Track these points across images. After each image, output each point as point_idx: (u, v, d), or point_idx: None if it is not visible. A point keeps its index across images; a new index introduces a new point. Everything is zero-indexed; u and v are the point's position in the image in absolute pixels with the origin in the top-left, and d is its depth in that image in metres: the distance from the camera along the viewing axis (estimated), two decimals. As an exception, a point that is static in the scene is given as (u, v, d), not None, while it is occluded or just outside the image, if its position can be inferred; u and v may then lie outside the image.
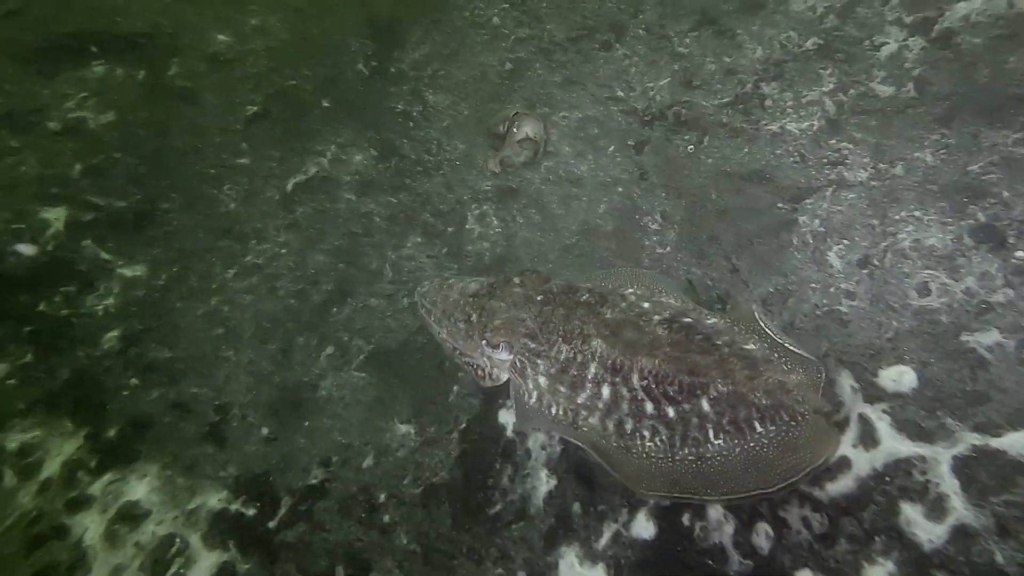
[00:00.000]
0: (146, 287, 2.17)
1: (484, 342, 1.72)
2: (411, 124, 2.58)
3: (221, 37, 3.00)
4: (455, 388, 1.89)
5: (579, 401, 1.64)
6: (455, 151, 2.49)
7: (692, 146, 2.26)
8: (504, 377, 1.79)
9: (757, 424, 1.51)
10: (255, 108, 2.71)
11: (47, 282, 2.14)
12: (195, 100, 2.78)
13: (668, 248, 2.04)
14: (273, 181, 2.45)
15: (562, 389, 1.66)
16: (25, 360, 1.94)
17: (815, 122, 2.16)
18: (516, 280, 1.81)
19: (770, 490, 1.50)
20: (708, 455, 1.55)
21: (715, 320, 1.68)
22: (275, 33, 3.01)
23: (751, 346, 1.60)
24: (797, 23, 2.40)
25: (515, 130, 2.43)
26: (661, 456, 1.58)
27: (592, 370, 1.62)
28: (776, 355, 1.60)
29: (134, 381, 1.95)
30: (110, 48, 2.92)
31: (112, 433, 1.83)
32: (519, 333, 1.71)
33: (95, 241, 2.25)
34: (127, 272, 2.19)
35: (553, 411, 1.68)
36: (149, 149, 2.57)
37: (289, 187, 2.40)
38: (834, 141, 2.09)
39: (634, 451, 1.60)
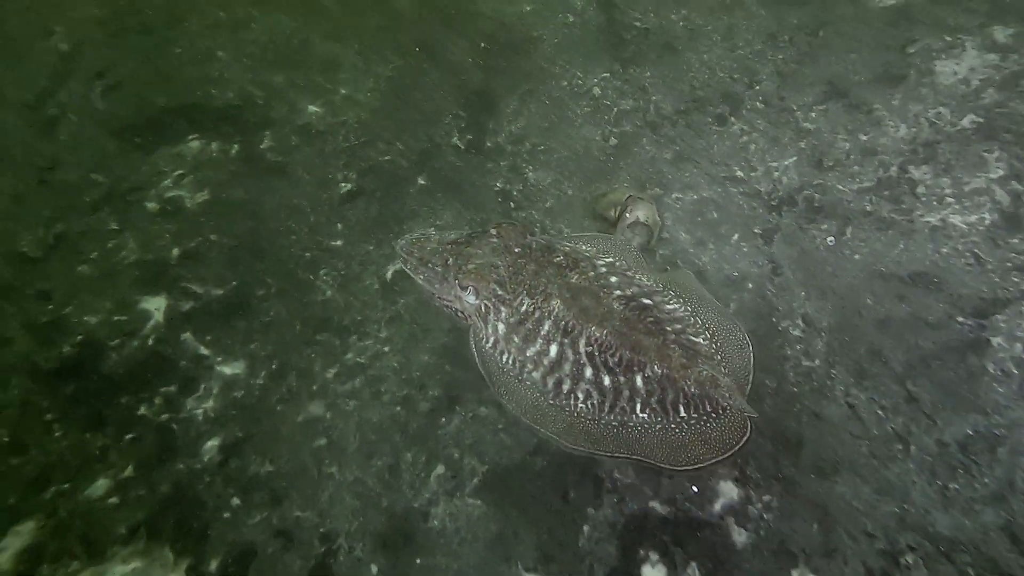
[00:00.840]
0: (245, 387, 2.01)
1: (456, 282, 1.79)
2: (512, 204, 2.38)
3: (312, 108, 2.89)
4: (585, 529, 1.62)
5: (528, 354, 1.72)
6: (560, 234, 2.27)
7: (832, 238, 1.97)
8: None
9: (682, 408, 1.60)
10: (349, 185, 2.57)
11: (148, 381, 1.99)
12: (288, 175, 2.66)
13: (817, 361, 1.75)
14: (371, 267, 2.28)
15: (516, 339, 1.74)
16: (126, 475, 1.79)
17: (985, 215, 1.84)
18: (493, 231, 1.88)
19: (675, 468, 1.60)
20: (631, 424, 1.63)
21: (675, 307, 1.74)
22: (366, 103, 2.88)
23: (699, 340, 1.67)
24: (948, 98, 2.09)
25: (627, 215, 2.20)
26: (589, 418, 1.67)
27: (546, 327, 1.70)
28: (719, 357, 1.66)
29: (236, 501, 1.76)
30: (205, 121, 2.84)
31: (214, 566, 1.65)
32: (490, 279, 1.77)
33: (194, 334, 2.11)
34: (226, 369, 2.04)
35: (504, 358, 1.77)
36: (243, 230, 2.44)
37: (388, 274, 2.22)
38: (1016, 240, 1.78)
39: (566, 409, 1.68)
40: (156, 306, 2.17)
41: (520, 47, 2.90)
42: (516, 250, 1.80)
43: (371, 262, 2.29)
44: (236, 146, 2.78)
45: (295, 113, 2.85)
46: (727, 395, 1.55)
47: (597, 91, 2.61)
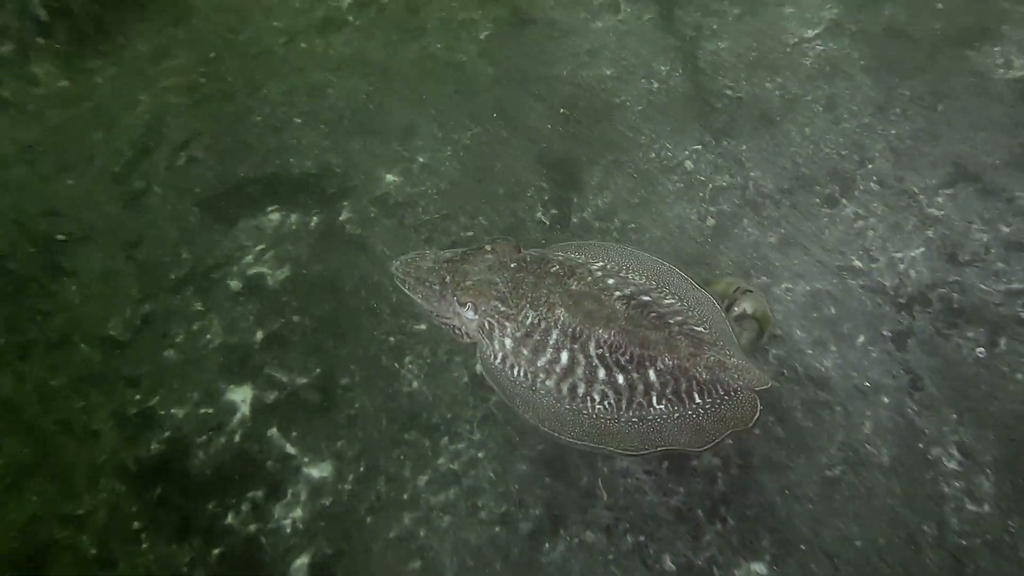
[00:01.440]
0: (333, 493, 1.87)
1: (455, 299, 1.76)
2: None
3: (390, 177, 2.79)
4: None
5: (539, 364, 1.71)
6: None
7: (982, 349, 1.72)
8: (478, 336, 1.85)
9: (696, 395, 1.62)
10: (431, 263, 2.46)
11: (235, 484, 1.87)
12: (367, 250, 2.56)
13: (986, 506, 1.48)
14: (458, 357, 2.13)
15: (525, 352, 1.72)
16: (215, 597, 1.69)
17: None
18: (487, 247, 1.86)
19: (698, 449, 1.61)
20: (650, 417, 1.64)
21: (672, 301, 1.75)
22: (445, 172, 2.77)
23: (700, 329, 1.69)
24: (1106, 188, 1.86)
25: (735, 307, 2.00)
26: (608, 417, 1.67)
27: (554, 336, 1.69)
28: (721, 342, 1.68)
29: (329, 633, 1.64)
30: (284, 191, 2.76)
31: None
32: (490, 296, 1.75)
33: (280, 430, 1.99)
34: (313, 472, 1.91)
35: (514, 372, 1.74)
36: (324, 310, 2.34)
37: (479, 367, 2.09)
38: None
39: (584, 412, 1.67)
40: (242, 397, 2.07)
41: (602, 114, 2.75)
42: (512, 265, 1.80)
43: (457, 351, 2.14)
44: (315, 218, 2.70)
45: (373, 182, 2.76)
46: (736, 376, 1.59)
47: (689, 164, 2.43)
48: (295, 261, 2.47)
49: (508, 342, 1.74)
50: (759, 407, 1.59)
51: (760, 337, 1.93)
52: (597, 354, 1.66)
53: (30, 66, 3.08)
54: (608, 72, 2.89)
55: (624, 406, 1.66)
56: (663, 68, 2.81)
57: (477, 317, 1.75)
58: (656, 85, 2.77)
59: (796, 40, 2.69)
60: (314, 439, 1.98)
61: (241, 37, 3.34)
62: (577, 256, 1.89)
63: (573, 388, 1.68)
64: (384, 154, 2.81)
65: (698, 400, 1.62)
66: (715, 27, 2.87)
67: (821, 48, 2.61)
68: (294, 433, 1.99)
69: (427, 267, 1.86)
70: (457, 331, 1.83)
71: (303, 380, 2.12)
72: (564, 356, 1.68)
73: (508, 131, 2.78)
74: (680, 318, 1.70)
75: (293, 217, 2.68)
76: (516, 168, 2.62)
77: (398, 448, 1.94)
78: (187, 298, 2.35)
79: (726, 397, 1.61)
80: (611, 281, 1.78)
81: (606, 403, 1.66)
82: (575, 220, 2.41)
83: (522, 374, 1.73)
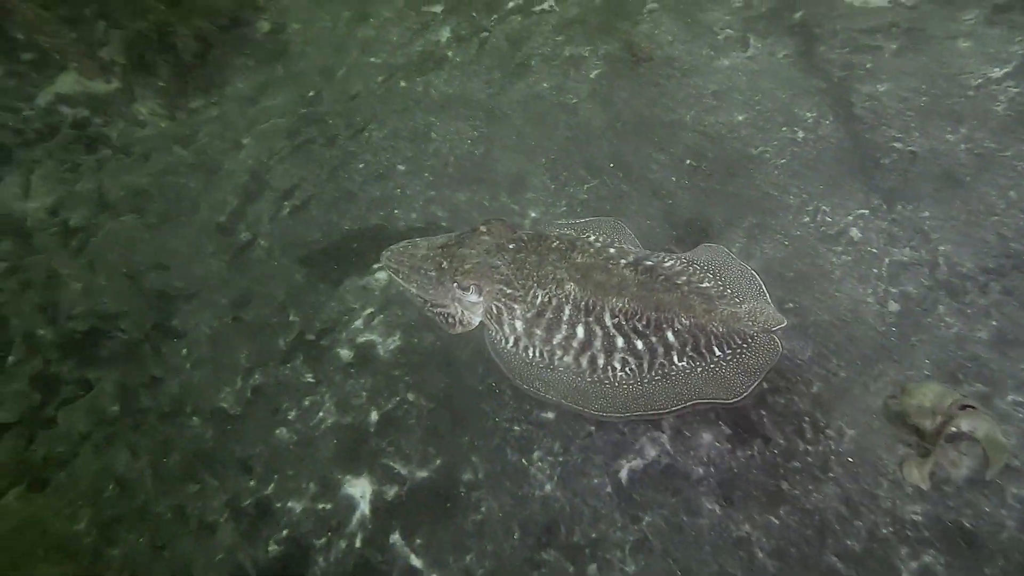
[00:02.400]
0: (467, 623, 1.64)
1: (455, 285, 1.68)
2: (765, 384, 1.87)
3: None
4: None
5: (554, 342, 1.64)
6: (842, 438, 1.64)
7: None
8: (476, 322, 1.74)
9: (716, 348, 1.57)
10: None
11: (359, 603, 1.68)
12: (480, 316, 2.32)
13: None
14: (598, 458, 1.80)
15: (538, 332, 1.65)
16: None
17: None
18: (483, 229, 1.78)
19: (729, 401, 1.54)
20: (673, 375, 1.59)
21: (672, 262, 1.71)
22: None
23: (706, 284, 1.65)
24: None
25: (954, 428, 1.60)
26: (631, 382, 1.61)
27: (567, 312, 1.63)
28: (729, 290, 1.65)
29: None
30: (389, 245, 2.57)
31: None
32: (492, 278, 1.67)
33: (403, 536, 1.72)
34: (443, 592, 1.69)
35: (530, 353, 1.67)
36: (439, 387, 2.06)
37: (623, 473, 1.74)
38: None
39: (607, 382, 1.61)
40: (360, 491, 1.83)
41: (736, 166, 2.37)
42: (511, 246, 1.72)
43: (595, 449, 1.83)
44: None
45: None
46: (751, 323, 1.56)
47: (855, 233, 2.03)
48: (405, 328, 2.22)
49: (519, 324, 1.66)
50: (780, 348, 1.57)
51: (992, 471, 1.52)
52: (613, 323, 1.60)
53: (135, 105, 2.95)
54: (740, 118, 2.49)
55: (646, 368, 1.60)
56: (808, 114, 2.39)
57: (482, 299, 1.67)
58: (801, 134, 2.36)
59: (980, 81, 2.21)
60: (440, 550, 1.71)
61: (339, 74, 3.12)
62: (569, 231, 1.83)
63: (593, 360, 1.62)
64: (492, 207, 2.51)
65: (719, 353, 1.58)
66: (869, 66, 2.42)
67: (1016, 91, 2.14)
68: (418, 540, 1.72)
69: (421, 255, 1.77)
70: (451, 319, 1.74)
71: (423, 473, 1.87)
72: (580, 330, 1.61)
73: (628, 184, 2.44)
74: (685, 277, 1.65)
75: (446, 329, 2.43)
76: (641, 228, 2.27)
77: (536, 571, 1.65)
78: (297, 368, 2.14)
79: (745, 345, 1.57)
80: (612, 251, 1.72)
81: (627, 369, 1.60)
82: None
83: (538, 354, 1.66)
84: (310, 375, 2.11)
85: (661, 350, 1.58)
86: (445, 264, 1.71)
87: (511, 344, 1.68)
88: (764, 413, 1.71)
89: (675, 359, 1.58)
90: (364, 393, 2.05)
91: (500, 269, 1.67)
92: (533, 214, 2.44)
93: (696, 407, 1.59)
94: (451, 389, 2.04)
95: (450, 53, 3.04)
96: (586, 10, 3.05)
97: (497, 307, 1.67)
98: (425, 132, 2.78)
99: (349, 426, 1.98)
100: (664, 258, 1.71)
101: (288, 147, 2.75)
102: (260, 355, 2.16)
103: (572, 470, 1.79)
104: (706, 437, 1.71)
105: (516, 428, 1.91)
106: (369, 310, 2.27)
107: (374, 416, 1.99)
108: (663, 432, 1.76)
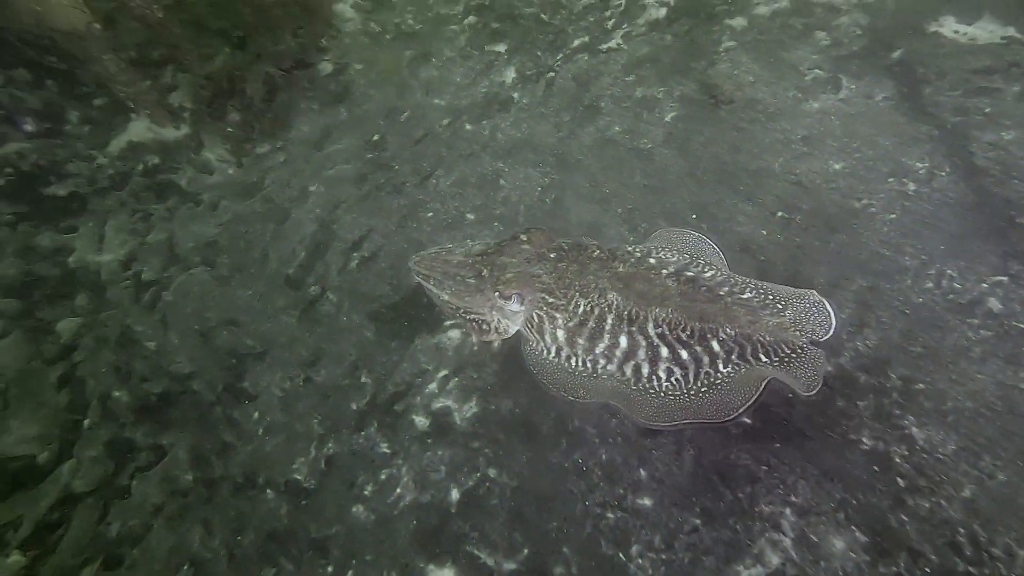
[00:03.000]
0: None
1: (496, 294, 1.63)
2: (900, 480, 1.58)
3: None
4: None
5: (597, 351, 1.60)
6: (1014, 561, 1.37)
7: None
8: (512, 330, 1.71)
9: (762, 355, 1.56)
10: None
11: None
12: (561, 381, 2.15)
13: None
14: (708, 559, 1.56)
15: (581, 341, 1.61)
16: None
17: None
18: (523, 237, 1.73)
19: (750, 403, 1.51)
20: (719, 383, 1.56)
21: (712, 272, 1.68)
22: None
23: (748, 295, 1.63)
24: None
25: None
26: (677, 392, 1.57)
27: (609, 321, 1.59)
28: (770, 299, 1.62)
29: None
30: None
31: None
32: (534, 287, 1.63)
33: (496, 643, 1.61)
34: None
35: (572, 363, 1.63)
36: (523, 464, 1.85)
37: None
38: None
39: (651, 391, 1.57)
40: (445, 584, 1.71)
41: (837, 221, 2.14)
42: (552, 255, 1.68)
43: (703, 548, 1.61)
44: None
45: None
46: (798, 334, 1.55)
47: (994, 304, 1.78)
48: (482, 393, 2.06)
49: (561, 333, 1.62)
50: (825, 364, 1.55)
51: None
52: (657, 333, 1.57)
53: (203, 151, 2.90)
54: (836, 166, 2.26)
55: (692, 378, 1.58)
56: (919, 164, 2.15)
57: (523, 308, 1.62)
58: (912, 187, 2.12)
59: None
60: (538, 661, 1.55)
61: (403, 117, 3.02)
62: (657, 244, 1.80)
63: (637, 369, 1.59)
64: None
65: (764, 359, 1.56)
66: (988, 111, 2.17)
67: None
68: (513, 650, 1.57)
69: (456, 261, 1.71)
70: (486, 326, 1.68)
71: (511, 565, 1.69)
72: (623, 340, 1.58)
73: (714, 236, 2.23)
74: (727, 288, 1.63)
75: (473, 336, 2.31)
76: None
77: None
78: (372, 437, 2.00)
79: (792, 355, 1.55)
80: (653, 260, 1.69)
81: (673, 379, 1.57)
82: (831, 370, 1.83)
83: (581, 363, 1.62)
84: (385, 445, 1.97)
85: (706, 359, 1.57)
86: (485, 272, 1.65)
87: (552, 354, 1.63)
88: (906, 519, 1.48)
89: (720, 366, 1.56)
90: (443, 467, 1.90)
91: (542, 278, 1.63)
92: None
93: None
94: (534, 465, 1.86)
95: (516, 95, 2.90)
96: (656, 48, 2.87)
97: (538, 316, 1.62)
98: (493, 179, 2.64)
99: (429, 505, 1.82)
100: (704, 268, 1.69)
101: (355, 195, 2.64)
102: (333, 421, 2.04)
103: (680, 571, 1.60)
104: (838, 545, 1.49)
105: (609, 515, 1.72)
106: (443, 372, 2.12)
107: (455, 494, 1.83)
108: (785, 535, 1.54)
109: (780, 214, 2.22)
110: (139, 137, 2.72)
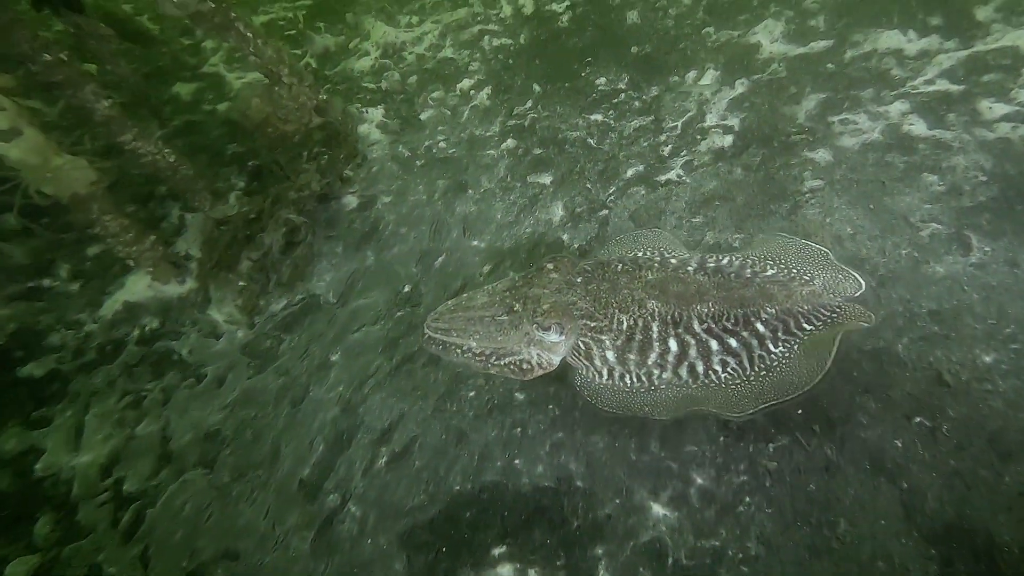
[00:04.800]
0: None
1: (535, 326, 1.55)
2: None
3: (659, 509, 1.85)
4: None
5: (650, 362, 1.56)
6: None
7: None
8: (556, 361, 1.61)
9: (805, 324, 1.55)
10: None
11: None
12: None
13: None
14: None
15: (632, 356, 1.57)
16: None
17: None
18: (550, 266, 1.67)
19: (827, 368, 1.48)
20: (775, 365, 1.52)
21: (728, 257, 1.67)
22: (746, 515, 1.81)
23: (771, 271, 1.63)
24: None
25: None
26: (738, 381, 1.54)
27: (655, 329, 1.56)
28: (794, 271, 1.63)
29: None
30: (512, 521, 1.75)
31: None
32: (572, 316, 1.58)
33: None
34: None
35: (627, 380, 1.58)
36: None
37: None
38: None
39: (712, 386, 1.54)
40: None
41: (1008, 444, 1.56)
42: (579, 279, 1.63)
43: None
44: (562, 573, 1.82)
45: (635, 515, 1.69)
46: (831, 294, 1.56)
47: None
48: None
49: (611, 355, 1.58)
50: (868, 313, 1.54)
51: None
52: (703, 329, 1.55)
53: (211, 309, 2.45)
54: (987, 358, 1.68)
55: (747, 364, 1.55)
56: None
57: (563, 338, 1.56)
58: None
59: None
60: None
61: (438, 262, 2.57)
62: (616, 253, 1.80)
63: (692, 369, 1.56)
64: (641, 462, 1.88)
65: (808, 327, 1.55)
66: None
67: None
68: None
69: (481, 303, 1.62)
70: (526, 364, 1.56)
71: None
72: (672, 343, 1.56)
73: (834, 448, 1.66)
74: (750, 269, 1.63)
75: (531, 574, 1.79)
76: (886, 547, 1.53)
77: None
78: None
79: (833, 315, 1.55)
80: (674, 261, 1.68)
81: (730, 369, 1.55)
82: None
83: (636, 379, 1.58)
84: None
85: (755, 342, 1.55)
86: (518, 306, 1.57)
87: (606, 377, 1.58)
88: None
89: (770, 346, 1.55)
90: None
91: (578, 305, 1.59)
92: (699, 479, 1.75)
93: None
94: None
95: (566, 236, 2.46)
96: (726, 184, 2.44)
97: (584, 344, 1.57)
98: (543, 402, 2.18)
99: None
100: (720, 256, 1.68)
101: (385, 367, 2.17)
102: None
103: None
104: None
105: None
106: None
107: None
108: None
109: (918, 420, 1.70)
110: (137, 296, 2.31)
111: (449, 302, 1.66)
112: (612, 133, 2.80)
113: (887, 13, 2.80)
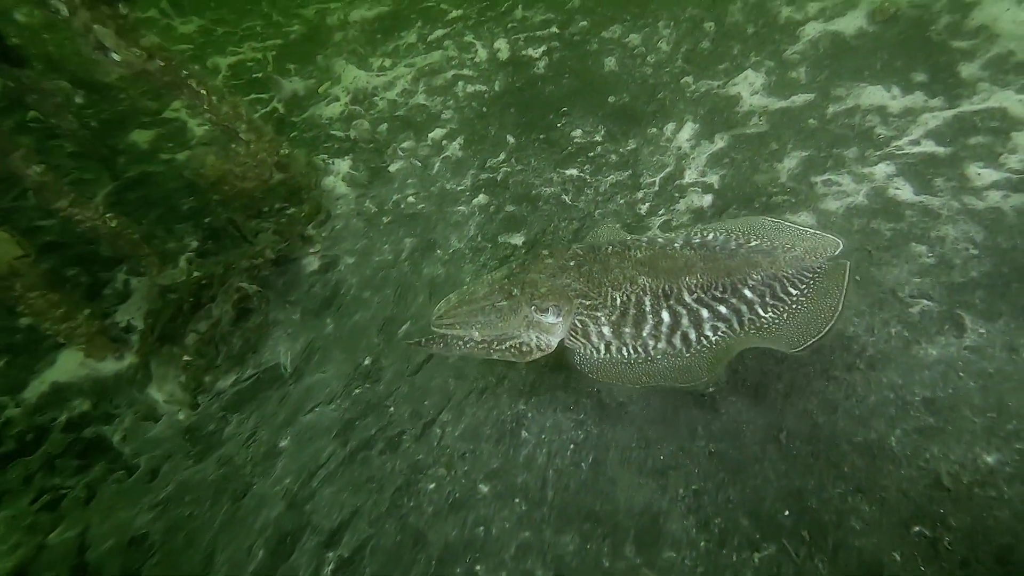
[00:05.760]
0: None
1: (532, 308, 1.61)
2: None
3: None
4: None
5: (644, 334, 1.62)
6: None
7: None
8: (554, 343, 1.66)
9: (792, 289, 1.62)
10: None
11: None
12: None
13: None
14: None
15: (627, 329, 1.62)
16: None
17: None
18: (546, 252, 1.74)
19: (823, 333, 1.55)
20: (766, 326, 1.58)
21: (712, 233, 1.74)
22: None
23: (754, 242, 1.70)
24: None
25: None
26: (733, 340, 1.59)
27: (647, 303, 1.63)
28: (776, 241, 1.71)
29: None
30: None
31: None
32: (569, 297, 1.63)
33: None
34: None
35: (624, 353, 1.62)
36: None
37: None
38: None
39: (705, 351, 1.58)
40: None
41: (1014, 552, 1.50)
42: (571, 263, 1.69)
43: None
44: None
45: None
46: (813, 256, 1.65)
47: None
48: None
49: (606, 330, 1.62)
50: (848, 268, 1.64)
51: None
52: (693, 299, 1.61)
53: (150, 389, 2.21)
54: (989, 459, 1.51)
55: (737, 327, 1.59)
56: None
57: (560, 320, 1.61)
58: None
59: None
60: None
61: (402, 330, 2.41)
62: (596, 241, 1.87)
63: (686, 337, 1.60)
64: (616, 569, 1.68)
65: (795, 292, 1.62)
66: None
67: None
68: None
69: (483, 293, 1.67)
70: (525, 347, 1.63)
71: None
72: (665, 315, 1.61)
73: (822, 558, 1.49)
74: (735, 242, 1.69)
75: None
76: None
77: None
78: None
79: (816, 278, 1.63)
80: (660, 240, 1.73)
81: (720, 334, 1.59)
82: None
83: (632, 351, 1.61)
84: None
85: (744, 308, 1.60)
86: (516, 291, 1.63)
87: (603, 352, 1.63)
88: None
89: (759, 311, 1.59)
90: None
91: (572, 286, 1.64)
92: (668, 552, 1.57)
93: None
94: None
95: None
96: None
97: (581, 322, 1.63)
98: (514, 428, 1.97)
99: None
100: (705, 232, 1.74)
101: (338, 454, 1.96)
102: None
103: None
104: None
105: None
106: None
107: None
108: None
109: (917, 529, 1.53)
110: (68, 375, 2.09)
111: (451, 296, 1.71)
112: (588, 189, 2.66)
113: (869, 66, 2.71)
